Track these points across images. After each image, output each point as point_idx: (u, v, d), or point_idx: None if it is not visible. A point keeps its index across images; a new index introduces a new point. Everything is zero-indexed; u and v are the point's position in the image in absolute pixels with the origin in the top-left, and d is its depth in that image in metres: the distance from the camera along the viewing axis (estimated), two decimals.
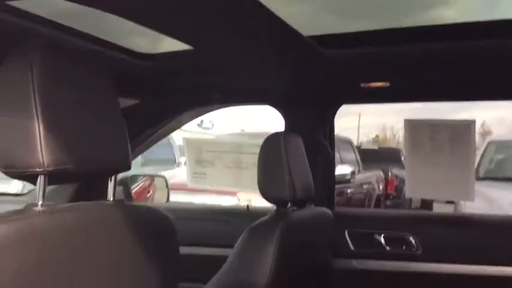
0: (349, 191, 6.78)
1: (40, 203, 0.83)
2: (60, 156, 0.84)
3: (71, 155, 0.86)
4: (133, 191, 2.61)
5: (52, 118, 0.84)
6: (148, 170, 6.65)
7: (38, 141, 0.82)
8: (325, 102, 2.11)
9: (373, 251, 2.04)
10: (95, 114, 0.95)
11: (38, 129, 0.82)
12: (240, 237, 1.55)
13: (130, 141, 2.41)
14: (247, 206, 2.19)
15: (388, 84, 1.87)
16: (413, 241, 2.01)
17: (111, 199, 1.00)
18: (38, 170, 0.82)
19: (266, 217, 1.59)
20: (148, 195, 2.77)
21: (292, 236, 1.54)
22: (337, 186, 6.40)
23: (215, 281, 1.54)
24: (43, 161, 0.82)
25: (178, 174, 5.24)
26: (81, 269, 0.86)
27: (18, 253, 0.74)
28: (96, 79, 0.98)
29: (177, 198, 5.00)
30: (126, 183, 2.52)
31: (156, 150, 5.74)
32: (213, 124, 9.49)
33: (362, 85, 1.90)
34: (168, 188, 2.64)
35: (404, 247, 2.02)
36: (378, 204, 8.26)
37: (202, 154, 2.08)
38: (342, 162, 6.80)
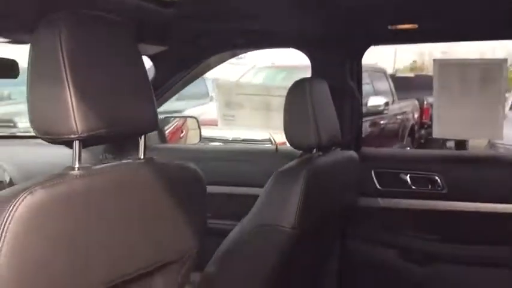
0: (382, 122, 6.75)
1: (77, 166, 0.91)
2: (92, 123, 0.90)
3: (102, 120, 0.92)
4: (166, 132, 2.70)
5: (82, 86, 0.89)
6: (182, 105, 6.77)
7: (71, 109, 0.87)
8: (351, 45, 2.10)
9: (398, 190, 2.10)
10: (122, 78, 0.99)
11: (70, 99, 0.87)
12: (267, 182, 1.62)
13: (161, 86, 2.48)
14: (276, 147, 2.25)
15: (416, 26, 1.84)
16: (439, 180, 2.05)
17: (142, 157, 1.07)
18: (72, 136, 0.89)
19: (292, 163, 1.65)
20: (181, 135, 2.86)
21: (317, 181, 1.60)
22: (370, 117, 6.39)
23: (244, 223, 1.63)
24: (77, 128, 0.88)
25: (210, 110, 5.32)
26: (117, 226, 0.94)
27: (59, 216, 0.82)
28: (123, 44, 1.02)
29: (211, 133, 5.13)
30: (159, 125, 2.61)
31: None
32: (245, 55, 9.45)
33: (389, 27, 1.87)
34: (199, 128, 2.71)
35: (430, 186, 2.06)
36: (412, 134, 8.22)
37: (231, 97, 2.13)
38: (375, 92, 6.73)
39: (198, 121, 2.75)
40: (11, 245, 0.75)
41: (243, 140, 4.96)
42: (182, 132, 2.85)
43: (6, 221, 0.75)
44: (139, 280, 1.06)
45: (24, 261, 0.77)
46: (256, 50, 2.33)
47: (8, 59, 1.79)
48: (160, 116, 2.66)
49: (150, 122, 1.05)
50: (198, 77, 2.52)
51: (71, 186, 0.86)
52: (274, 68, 6.82)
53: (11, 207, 0.76)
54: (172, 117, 2.88)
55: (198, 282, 1.65)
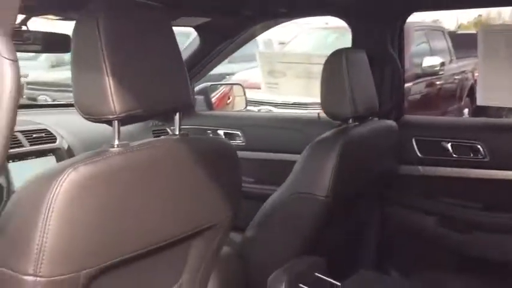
0: (438, 82, 6.56)
1: (116, 143, 1.00)
2: (129, 103, 0.99)
3: (138, 101, 1.01)
4: (213, 99, 2.79)
5: (119, 71, 0.98)
6: (235, 67, 6.84)
7: (109, 92, 0.96)
8: (392, 12, 2.07)
9: (439, 158, 2.10)
10: (158, 60, 1.07)
11: (108, 82, 0.96)
12: (304, 151, 1.68)
13: (206, 55, 2.54)
14: (318, 115, 2.28)
15: None
16: (481, 149, 2.03)
17: (177, 133, 1.15)
18: (111, 117, 0.98)
19: (328, 133, 1.70)
20: (228, 101, 2.94)
21: (352, 151, 1.64)
22: (426, 78, 6.21)
23: (282, 189, 1.71)
24: (115, 109, 0.97)
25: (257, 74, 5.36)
26: (153, 198, 1.04)
27: (100, 191, 0.93)
28: (158, 28, 1.09)
29: (261, 97, 5.19)
30: (206, 93, 2.70)
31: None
32: None
33: None
34: (245, 95, 2.78)
35: (471, 154, 2.05)
36: (471, 95, 7.92)
37: (274, 65, 2.15)
38: (432, 52, 6.52)
39: (243, 88, 2.82)
40: (57, 216, 0.86)
41: (293, 104, 5.01)
42: (229, 98, 2.94)
43: (53, 196, 0.86)
44: (179, 244, 1.17)
45: (69, 231, 0.88)
46: (297, 18, 2.34)
47: (60, 34, 1.89)
48: (207, 84, 2.75)
49: (184, 100, 1.13)
50: (243, 45, 2.57)
51: (110, 162, 0.96)
52: (327, 29, 6.73)
53: (57, 183, 0.87)
54: (219, 84, 2.96)
55: (239, 243, 1.76)
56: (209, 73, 2.60)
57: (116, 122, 1.00)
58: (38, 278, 0.86)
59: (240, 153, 2.46)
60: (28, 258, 0.85)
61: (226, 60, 2.67)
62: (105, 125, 1.03)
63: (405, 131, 2.06)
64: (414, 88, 5.90)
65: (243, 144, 2.43)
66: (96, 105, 0.98)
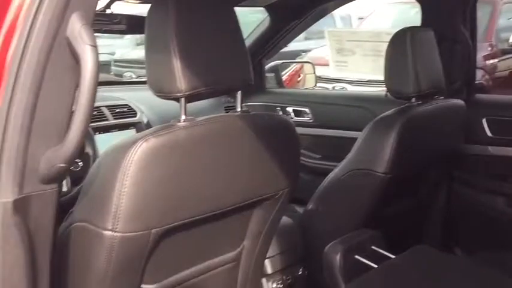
0: None
1: (183, 118, 1.12)
2: (194, 82, 1.09)
3: (202, 80, 1.11)
4: (284, 77, 2.86)
5: (186, 52, 1.08)
6: (311, 44, 6.83)
7: (177, 73, 1.07)
8: None
9: (511, 139, 2.05)
10: (221, 41, 1.16)
11: (176, 63, 1.07)
12: (365, 128, 1.72)
13: (276, 34, 2.61)
14: (386, 93, 2.29)
15: None
16: None
17: (239, 110, 1.25)
18: (178, 94, 1.09)
19: (390, 111, 1.72)
20: (298, 79, 3.00)
21: (413, 130, 1.66)
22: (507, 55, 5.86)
23: (343, 165, 1.77)
24: (182, 87, 1.08)
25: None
26: (215, 168, 1.15)
27: (167, 160, 1.05)
28: (222, 12, 1.18)
29: (337, 74, 5.17)
30: (276, 70, 2.78)
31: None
32: None
33: None
34: (315, 73, 2.83)
35: None
36: None
37: (343, 44, 2.17)
38: None
39: (313, 66, 2.87)
40: (131, 181, 0.99)
41: (368, 81, 4.96)
42: (299, 76, 3.00)
43: (128, 163, 0.99)
44: (240, 212, 1.28)
45: (141, 194, 1.01)
46: None
47: (141, 16, 2.04)
48: (278, 62, 2.83)
49: (245, 79, 1.21)
50: (315, 22, 2.60)
51: (176, 135, 1.08)
52: (407, 3, 6.52)
53: (131, 153, 1.00)
54: (290, 62, 3.03)
55: (300, 214, 1.85)
56: (285, 50, 2.65)
57: (183, 99, 1.11)
58: (115, 233, 1.00)
59: (308, 130, 2.54)
60: (107, 216, 0.99)
61: (302, 37, 2.72)
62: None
63: (475, 110, 2.03)
64: (501, 65, 5.62)
65: (311, 121, 2.50)
66: (166, 83, 1.09)
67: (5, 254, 0.82)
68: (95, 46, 0.85)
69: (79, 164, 1.83)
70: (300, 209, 1.92)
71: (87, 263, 1.03)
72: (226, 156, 1.17)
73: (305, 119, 2.51)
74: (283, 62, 2.85)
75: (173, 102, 1.13)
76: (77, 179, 1.74)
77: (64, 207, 1.04)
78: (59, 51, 0.85)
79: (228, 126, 1.20)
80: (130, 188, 0.99)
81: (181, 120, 1.11)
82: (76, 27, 0.84)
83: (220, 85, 1.17)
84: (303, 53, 6.32)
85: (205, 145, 1.13)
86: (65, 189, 1.70)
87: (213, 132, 1.16)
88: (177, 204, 1.09)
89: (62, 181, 0.96)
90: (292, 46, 2.60)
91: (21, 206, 0.84)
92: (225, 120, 1.21)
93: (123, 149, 1.01)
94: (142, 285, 1.14)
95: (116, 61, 7.64)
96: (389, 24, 6.02)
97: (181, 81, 1.07)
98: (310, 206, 1.79)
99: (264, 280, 1.59)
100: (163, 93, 1.11)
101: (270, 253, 1.53)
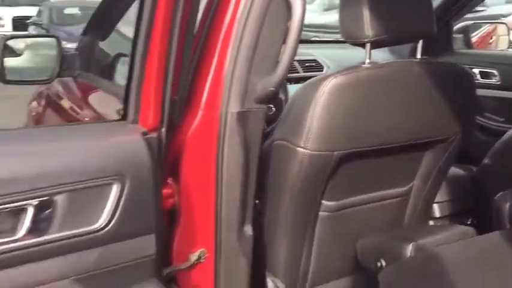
0: None
1: (367, 61, 1.29)
2: (380, 29, 1.25)
3: (388, 28, 1.26)
4: (473, 38, 2.79)
5: (375, 2, 1.24)
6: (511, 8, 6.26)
7: (365, 19, 1.23)
8: None
9: None
10: None
11: (365, 12, 1.23)
12: None
13: None
14: None
15: None
16: None
17: (418, 57, 1.37)
18: (365, 40, 1.26)
19: None
20: (490, 41, 2.90)
21: None
22: None
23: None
24: (368, 33, 1.24)
25: None
26: (393, 105, 1.30)
27: (351, 94, 1.24)
28: None
29: None
30: (466, 31, 2.73)
31: None
32: None
33: None
34: (509, 35, 2.71)
35: None
36: None
37: None
38: None
39: (508, 27, 2.74)
40: (321, 108, 1.21)
41: None
42: (491, 38, 2.89)
43: (320, 94, 1.21)
44: (413, 151, 1.42)
45: (329, 120, 1.22)
46: None
47: None
48: (468, 22, 2.77)
49: (428, 28, 1.33)
50: None
51: (359, 74, 1.26)
52: None
53: (323, 86, 1.21)
54: (481, 23, 2.93)
55: (476, 170, 1.89)
56: (483, 14, 2.58)
57: (368, 44, 1.27)
58: (305, 150, 1.23)
59: (493, 92, 2.49)
60: (301, 136, 1.23)
61: (503, 0, 2.63)
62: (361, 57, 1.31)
63: None
64: None
65: (498, 83, 2.44)
66: (354, 30, 1.27)
67: (229, 147, 1.12)
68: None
69: (272, 109, 2.12)
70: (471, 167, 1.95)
71: (283, 173, 1.29)
72: (403, 96, 1.32)
73: (492, 81, 2.46)
74: (475, 23, 2.78)
75: (357, 59, 1.31)
76: (270, 121, 2.04)
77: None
78: (276, 2, 1.09)
79: (407, 70, 1.33)
80: (320, 114, 1.21)
81: (366, 63, 1.29)
82: None
83: (404, 33, 1.31)
84: (503, 18, 5.86)
85: (384, 84, 1.29)
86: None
87: (392, 74, 1.31)
88: (357, 133, 1.28)
89: (269, 103, 1.21)
90: (491, 10, 2.51)
91: (241, 118, 1.12)
92: (405, 65, 1.35)
93: (316, 83, 1.23)
94: (323, 201, 1.37)
95: (304, 26, 7.95)
96: None
97: (368, 28, 1.24)
98: (485, 161, 1.83)
99: (431, 223, 1.70)
100: (351, 38, 1.29)
101: (439, 198, 1.64)
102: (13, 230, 0.91)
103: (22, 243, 0.90)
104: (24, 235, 0.91)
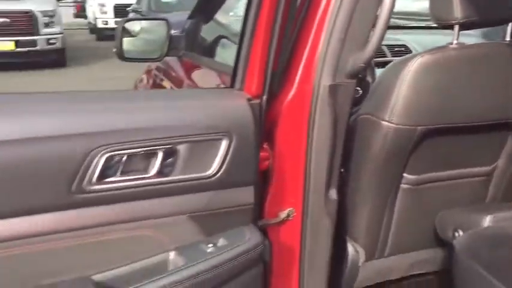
0: None
1: (455, 42, 1.36)
2: (469, 11, 1.31)
3: (476, 10, 1.32)
4: None
5: None
6: None
7: (454, 2, 1.30)
8: None
9: None
10: None
11: None
12: None
13: None
14: None
15: None
16: None
17: (508, 39, 1.42)
18: (453, 22, 1.34)
19: None
20: None
21: None
22: None
23: None
24: (457, 15, 1.31)
25: None
26: (480, 87, 1.36)
27: (437, 73, 1.32)
28: None
29: None
30: None
31: None
32: None
33: None
34: None
35: None
36: None
37: None
38: None
39: None
40: (407, 85, 1.31)
41: None
42: None
43: (406, 71, 1.30)
44: (496, 130, 1.46)
45: (414, 95, 1.31)
46: None
47: None
48: None
49: None
50: None
51: (446, 54, 1.34)
52: None
53: (410, 64, 1.31)
54: None
55: None
56: None
57: (457, 26, 1.35)
58: (390, 124, 1.33)
59: None
60: (386, 110, 1.33)
61: None
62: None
63: None
64: None
65: None
66: (443, 12, 1.35)
67: (320, 118, 1.25)
68: None
69: (359, 91, 2.22)
70: None
71: (367, 145, 1.40)
72: (489, 76, 1.37)
73: None
74: None
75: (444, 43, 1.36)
76: (356, 103, 2.13)
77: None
78: None
79: (494, 51, 1.39)
80: (406, 91, 1.30)
81: (453, 44, 1.36)
82: None
83: (492, 16, 1.36)
84: None
85: (471, 64, 1.36)
86: None
87: (479, 55, 1.37)
88: (442, 110, 1.36)
89: (357, 77, 1.33)
90: None
91: (332, 91, 1.24)
92: (493, 46, 1.41)
93: (403, 62, 1.33)
94: (404, 174, 1.46)
95: (394, 13, 7.81)
96: None
97: (457, 10, 1.31)
98: None
99: None
100: (440, 20, 1.37)
101: None
102: (146, 169, 1.11)
103: (153, 181, 1.10)
104: (154, 174, 1.11)
